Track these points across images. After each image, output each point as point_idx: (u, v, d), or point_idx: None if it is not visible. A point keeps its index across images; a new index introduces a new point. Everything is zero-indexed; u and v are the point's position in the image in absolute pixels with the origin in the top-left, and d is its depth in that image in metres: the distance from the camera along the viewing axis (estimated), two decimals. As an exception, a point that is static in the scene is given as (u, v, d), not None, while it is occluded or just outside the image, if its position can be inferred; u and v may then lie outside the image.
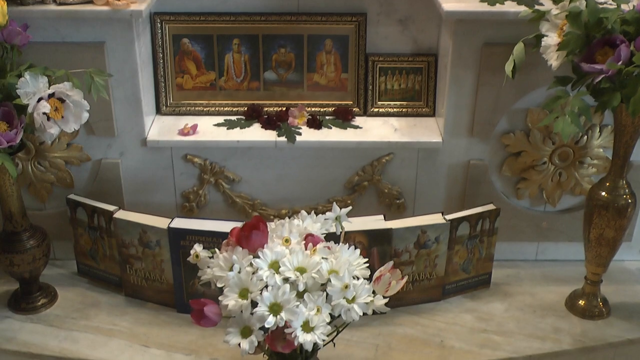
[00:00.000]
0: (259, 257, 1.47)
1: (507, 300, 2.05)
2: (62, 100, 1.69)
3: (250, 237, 1.49)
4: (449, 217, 1.94)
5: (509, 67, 1.74)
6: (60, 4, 1.86)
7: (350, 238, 1.85)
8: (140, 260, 1.97)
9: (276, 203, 2.13)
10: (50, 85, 1.69)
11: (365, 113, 2.17)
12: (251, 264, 1.47)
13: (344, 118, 2.13)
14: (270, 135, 2.06)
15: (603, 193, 1.85)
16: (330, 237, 1.58)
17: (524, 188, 2.09)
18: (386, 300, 1.50)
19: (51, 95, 1.68)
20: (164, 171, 2.09)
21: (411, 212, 2.13)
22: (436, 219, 1.93)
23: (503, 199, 2.10)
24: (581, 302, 2.00)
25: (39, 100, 1.66)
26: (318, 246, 1.50)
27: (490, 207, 1.98)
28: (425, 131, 2.08)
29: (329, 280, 1.46)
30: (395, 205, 2.13)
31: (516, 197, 2.11)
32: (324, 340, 1.45)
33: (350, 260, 1.50)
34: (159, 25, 2.08)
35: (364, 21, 2.08)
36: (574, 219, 2.11)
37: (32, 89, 1.66)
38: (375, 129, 2.10)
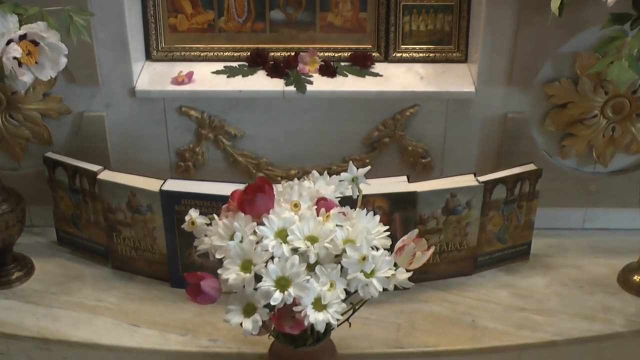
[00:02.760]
0: (263, 224, 1.48)
1: (549, 274, 2.05)
2: (35, 43, 1.67)
3: (254, 201, 1.50)
4: (483, 178, 1.94)
5: (555, 3, 1.71)
6: None
7: (368, 202, 1.84)
8: (129, 228, 1.97)
9: (284, 162, 2.13)
10: (21, 26, 1.66)
11: (386, 58, 2.16)
12: (255, 232, 1.48)
13: (361, 64, 2.12)
14: (277, 84, 2.06)
15: (663, 150, 1.83)
16: (346, 201, 1.58)
17: (570, 145, 2.08)
18: (410, 274, 1.51)
19: (22, 37, 1.66)
20: (155, 125, 2.09)
21: (439, 173, 2.13)
22: (467, 180, 1.93)
23: (545, 157, 2.09)
24: (636, 278, 2.00)
25: (9, 42, 1.64)
26: (332, 212, 1.50)
27: (531, 167, 1.98)
28: (455, 79, 2.07)
29: (344, 251, 1.46)
30: (421, 165, 2.12)
31: (561, 156, 2.10)
32: (338, 320, 1.46)
33: (368, 228, 1.50)
34: (148, -43, 2.07)
35: (386, -48, 2.07)
36: (628, 181, 2.10)
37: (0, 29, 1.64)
38: (398, 77, 2.09)
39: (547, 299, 1.97)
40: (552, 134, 2.08)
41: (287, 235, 1.47)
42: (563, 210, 2.18)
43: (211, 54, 2.16)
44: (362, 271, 1.46)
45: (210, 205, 1.84)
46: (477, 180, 1.93)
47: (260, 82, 2.07)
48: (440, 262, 1.99)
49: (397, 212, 1.89)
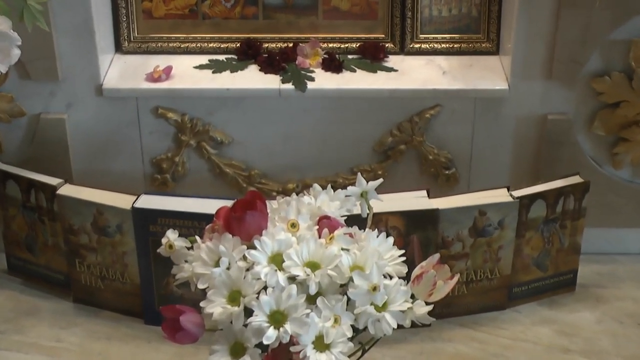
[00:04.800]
0: (255, 248, 1.46)
1: (599, 308, 2.05)
2: (-18, 32, 1.67)
3: (244, 219, 1.48)
4: (518, 193, 1.93)
5: (604, -18, 1.72)
6: None
7: (381, 222, 1.85)
8: (94, 252, 1.98)
9: (280, 173, 2.14)
10: (-35, 11, 1.67)
11: (402, 50, 2.16)
12: (244, 257, 1.46)
13: (372, 57, 2.13)
14: (272, 81, 2.06)
15: None
16: (354, 220, 1.56)
17: (624, 152, 2.08)
18: (430, 307, 1.49)
19: (-33, 25, 1.66)
20: (126, 130, 2.09)
21: (465, 186, 2.14)
22: (499, 195, 1.93)
23: (594, 167, 2.09)
24: (702, 311, 1.99)
25: (-49, 31, 1.64)
26: (336, 233, 1.49)
27: (576, 179, 1.97)
28: (484, 74, 2.07)
29: (351, 279, 1.45)
30: (444, 177, 2.12)
31: (612, 166, 2.11)
32: (344, 362, 1.44)
33: (380, 252, 1.49)
34: None
35: None
36: (693, 196, 2.10)
37: (-61, 15, 1.64)
38: (416, 72, 2.09)
39: (597, 338, 1.96)
40: (602, 139, 2.08)
41: (283, 261, 1.45)
42: (616, 231, 2.18)
43: (193, 44, 2.17)
44: (372, 304, 1.44)
45: (192, 225, 1.84)
46: (511, 195, 1.93)
47: (252, 78, 2.08)
48: (467, 293, 1.99)
49: (415, 233, 1.89)
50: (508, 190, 1.94)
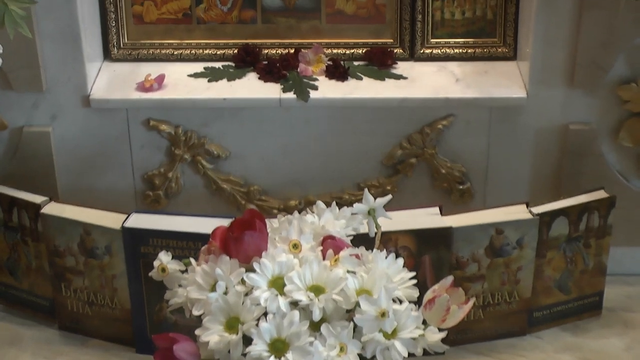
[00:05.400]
0: (254, 271, 1.47)
1: (628, 333, 2.04)
2: (-39, 40, 1.67)
3: (242, 240, 1.49)
4: (538, 209, 1.93)
5: (629, -18, 1.72)
6: None
7: (390, 241, 1.85)
8: (81, 276, 1.97)
9: (281, 189, 2.14)
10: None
11: (412, 56, 2.17)
12: (243, 281, 1.47)
13: (380, 63, 2.13)
14: (272, 90, 2.06)
15: None
16: (361, 240, 1.57)
17: (651, 165, 2.08)
18: (444, 333, 1.49)
19: (-56, 32, 1.66)
20: (116, 143, 2.10)
21: (481, 202, 2.14)
22: (518, 212, 1.93)
23: (620, 181, 2.09)
24: None
25: None
26: (342, 254, 1.49)
27: (601, 194, 1.97)
28: (501, 81, 2.08)
29: (358, 304, 1.45)
30: (458, 192, 2.13)
31: (640, 179, 2.11)
32: (351, 394, 1.44)
33: (389, 275, 1.49)
34: None
35: None
36: None
37: None
38: (427, 79, 2.09)
39: (626, 365, 1.96)
40: (629, 150, 2.08)
41: (285, 285, 1.45)
42: (644, 250, 2.18)
43: (187, 51, 2.17)
44: (381, 330, 1.44)
45: (186, 246, 1.84)
46: (531, 211, 1.92)
47: (251, 87, 2.08)
48: (484, 318, 1.98)
49: (427, 254, 1.88)
50: (527, 207, 1.93)
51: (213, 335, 1.44)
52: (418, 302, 1.51)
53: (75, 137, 2.08)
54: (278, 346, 1.42)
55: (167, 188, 2.13)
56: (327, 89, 2.06)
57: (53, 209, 1.95)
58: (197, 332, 1.46)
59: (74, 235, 1.93)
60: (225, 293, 1.46)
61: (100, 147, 2.09)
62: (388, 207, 1.60)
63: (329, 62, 2.12)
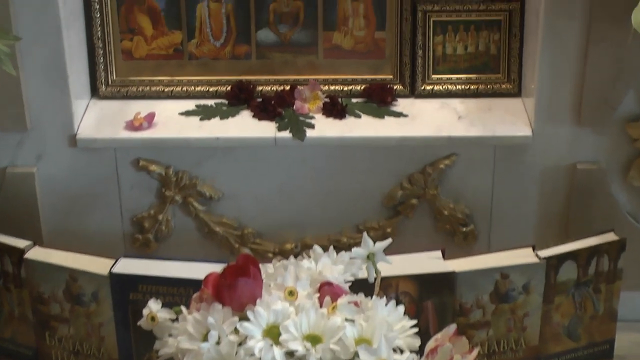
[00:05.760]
0: (248, 319, 1.46)
1: (640, 383, 2.03)
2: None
3: (236, 287, 1.49)
4: (545, 252, 1.92)
5: (637, 14, 1.71)
6: None
7: (390, 287, 1.84)
8: (66, 324, 1.96)
9: (277, 232, 2.14)
10: None
11: (412, 92, 2.17)
12: (236, 330, 1.46)
13: (379, 100, 2.13)
14: (267, 129, 2.07)
15: None
16: (360, 286, 1.57)
17: (663, 206, 2.08)
18: (447, 385, 1.48)
19: None
20: (103, 184, 2.10)
21: (485, 245, 2.14)
22: (524, 255, 1.92)
23: (631, 223, 2.09)
24: None
25: None
26: (340, 301, 1.49)
27: (610, 236, 1.96)
28: (505, 118, 2.08)
29: (357, 354, 1.44)
30: (461, 235, 2.13)
31: (651, 220, 2.11)
32: None
33: (389, 323, 1.49)
34: (95, -40, 2.09)
35: (409, -52, 2.09)
36: None
37: None
38: (429, 117, 2.10)
39: (639, 418, 1.96)
40: (639, 190, 2.09)
41: (280, 334, 1.45)
42: (657, 295, 2.17)
43: (178, 88, 2.17)
44: (381, 382, 1.44)
45: (177, 292, 1.83)
46: (537, 255, 1.92)
47: (245, 125, 2.08)
48: (489, 366, 1.98)
49: (429, 300, 1.88)
50: (534, 250, 1.93)
51: (205, 387, 1.44)
52: (420, 352, 1.50)
53: (61, 178, 2.08)
54: (273, 399, 1.42)
55: (157, 231, 2.13)
56: (324, 128, 2.07)
57: (37, 254, 1.94)
58: (188, 384, 1.46)
59: (59, 282, 1.92)
60: (218, 343, 1.46)
61: (87, 189, 2.09)
62: (388, 250, 1.61)
63: (326, 99, 2.12)
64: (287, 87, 2.14)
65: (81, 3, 2.09)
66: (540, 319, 1.95)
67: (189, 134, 2.06)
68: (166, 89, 2.17)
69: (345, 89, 2.16)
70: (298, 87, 2.13)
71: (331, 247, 1.61)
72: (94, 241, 2.09)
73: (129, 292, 1.87)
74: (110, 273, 1.87)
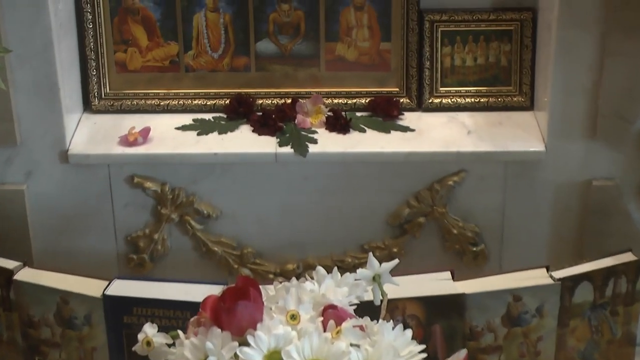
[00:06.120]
0: (248, 344, 1.45)
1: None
2: None
3: (235, 311, 1.47)
4: (559, 273, 1.92)
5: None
6: None
7: (397, 310, 1.84)
8: (57, 349, 1.96)
9: (278, 252, 2.14)
10: None
11: (419, 106, 2.17)
12: (236, 356, 1.45)
13: (385, 114, 2.14)
14: (267, 144, 2.07)
15: None
16: (365, 309, 1.55)
17: (682, 224, 2.08)
18: (457, 413, 1.48)
19: None
20: (97, 202, 2.10)
21: (496, 265, 2.14)
22: (537, 276, 1.91)
23: (648, 242, 2.09)
24: None
25: None
26: (344, 325, 1.47)
27: (628, 256, 1.95)
28: (517, 133, 2.09)
29: (363, 381, 1.43)
30: (471, 254, 2.13)
31: (670, 240, 2.10)
32: None
33: (396, 347, 1.47)
34: (87, -31, 2.10)
35: (416, -44, 2.10)
36: None
37: None
38: (436, 132, 2.10)
39: None
40: (656, 208, 2.09)
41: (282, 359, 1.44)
42: (675, 317, 2.16)
43: (175, 102, 2.18)
44: (388, 410, 1.43)
45: (174, 316, 1.83)
46: (551, 276, 1.91)
47: (244, 140, 2.09)
48: (501, 393, 1.98)
49: (438, 323, 1.87)
50: (547, 271, 1.92)
51: (203, 416, 1.43)
52: (429, 378, 1.50)
53: (52, 196, 2.08)
54: None
55: (153, 251, 2.13)
56: (327, 143, 2.07)
57: (27, 275, 1.94)
58: (185, 412, 1.45)
59: (50, 304, 1.91)
60: (217, 369, 1.45)
61: (79, 207, 2.10)
62: (394, 271, 1.59)
63: (329, 113, 2.12)
64: (288, 101, 2.15)
65: (73, 14, 2.10)
66: (555, 343, 1.95)
67: (185, 149, 2.06)
68: (162, 103, 2.18)
69: (349, 102, 2.17)
70: (300, 100, 2.13)
71: (335, 268, 1.60)
72: (86, 262, 2.10)
73: (123, 315, 1.87)
74: (104, 295, 1.87)
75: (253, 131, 2.10)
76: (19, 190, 2.07)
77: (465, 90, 2.17)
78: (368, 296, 1.59)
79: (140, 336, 1.54)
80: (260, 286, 1.54)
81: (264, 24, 2.14)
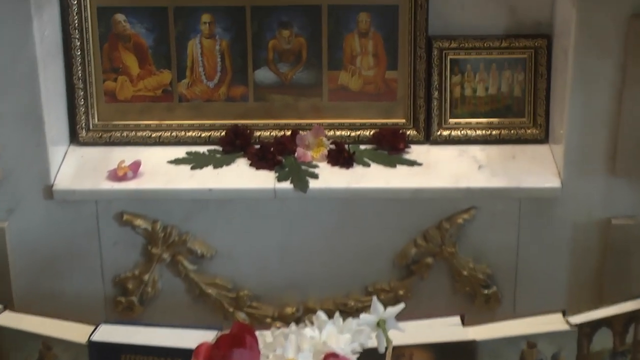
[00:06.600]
0: (243, 395, 1.45)
1: None
2: None
3: (230, 358, 1.46)
4: (576, 318, 1.90)
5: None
6: None
7: (403, 357, 1.82)
8: (40, 398, 1.95)
9: (276, 294, 2.13)
10: None
11: (427, 138, 2.18)
12: (230, 408, 1.44)
13: (391, 147, 2.14)
14: (265, 179, 2.07)
15: None
16: (369, 356, 1.55)
17: None
18: None
19: None
20: (83, 241, 2.10)
21: (509, 309, 2.13)
22: (553, 321, 1.90)
23: (672, 285, 2.08)
24: None
25: None
26: (347, 375, 1.46)
27: (650, 300, 1.96)
28: (531, 167, 2.09)
29: None
30: (482, 298, 2.12)
31: (695, 283, 2.10)
32: None
33: (403, 400, 1.47)
34: (75, -8, 2.11)
35: (424, -20, 2.11)
36: None
37: None
38: (446, 166, 2.11)
39: None
40: (681, 249, 2.08)
41: (279, 413, 1.43)
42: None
43: (167, 133, 2.18)
44: None
45: (164, 363, 1.83)
46: (568, 321, 1.90)
47: (241, 175, 2.09)
48: None
49: (448, 372, 1.87)
50: (564, 315, 1.91)
51: None
52: None
53: (36, 234, 2.08)
54: None
55: (142, 293, 2.12)
56: (329, 178, 2.07)
57: (8, 319, 1.93)
58: None
59: (31, 351, 1.90)
60: (209, 422, 1.44)
61: (64, 246, 2.09)
62: (400, 316, 1.58)
63: (331, 146, 2.12)
64: (288, 133, 2.15)
65: (60, 40, 2.11)
66: (573, 394, 1.94)
67: (178, 184, 2.06)
68: (154, 135, 2.18)
69: (353, 134, 2.17)
70: (300, 132, 2.13)
71: (337, 313, 1.59)
72: (71, 305, 2.09)
73: (111, 362, 1.86)
74: (90, 341, 1.86)
75: (250, 165, 2.11)
76: (0, 227, 2.06)
77: (476, 121, 2.17)
78: (372, 343, 1.58)
79: (127, 386, 1.54)
80: (257, 332, 1.53)
81: (263, 51, 2.15)
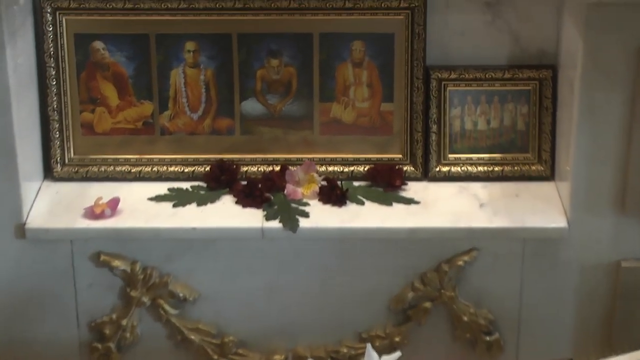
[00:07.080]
0: None
1: None
2: None
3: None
4: (585, 367, 1.90)
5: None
6: None
7: (400, 409, 1.81)
8: None
9: (264, 341, 2.13)
10: None
11: (425, 175, 2.18)
12: None
13: (387, 184, 2.14)
14: (252, 217, 2.06)
15: None
16: (363, 409, 1.54)
17: None
18: None
19: None
20: (57, 283, 2.09)
21: (512, 357, 2.13)
22: (561, 370, 1.90)
23: (686, 331, 2.08)
24: None
25: None
26: None
27: (663, 348, 1.94)
28: (536, 206, 2.09)
29: None
30: (484, 345, 2.11)
31: None
32: None
33: None
34: (51, 18, 2.09)
35: (422, 6, 2.10)
36: None
37: None
38: (445, 204, 2.10)
39: None
40: (695, 293, 2.08)
41: None
42: None
43: (148, 168, 2.18)
44: None
45: (143, 415, 1.81)
46: (576, 370, 1.90)
47: (226, 213, 2.08)
48: None
49: None
50: (571, 364, 1.91)
51: None
52: None
53: (6, 275, 2.07)
54: None
55: (120, 339, 2.11)
56: (320, 217, 2.06)
57: (-24, 366, 1.92)
58: None
59: (1, 401, 1.90)
60: None
61: (37, 288, 2.08)
62: (399, 366, 1.59)
63: (323, 183, 2.12)
64: (277, 168, 2.15)
65: (34, 69, 2.11)
66: None
67: (159, 223, 2.06)
68: (133, 170, 2.17)
69: (346, 170, 2.17)
70: (290, 168, 2.13)
71: (329, 361, 1.59)
72: (44, 352, 2.09)
73: (85, 414, 1.85)
74: (63, 391, 1.86)
75: (237, 203, 2.10)
76: (-32, 269, 2.06)
77: (477, 157, 2.17)
78: (366, 395, 1.58)
79: None
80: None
81: (251, 81, 2.15)
